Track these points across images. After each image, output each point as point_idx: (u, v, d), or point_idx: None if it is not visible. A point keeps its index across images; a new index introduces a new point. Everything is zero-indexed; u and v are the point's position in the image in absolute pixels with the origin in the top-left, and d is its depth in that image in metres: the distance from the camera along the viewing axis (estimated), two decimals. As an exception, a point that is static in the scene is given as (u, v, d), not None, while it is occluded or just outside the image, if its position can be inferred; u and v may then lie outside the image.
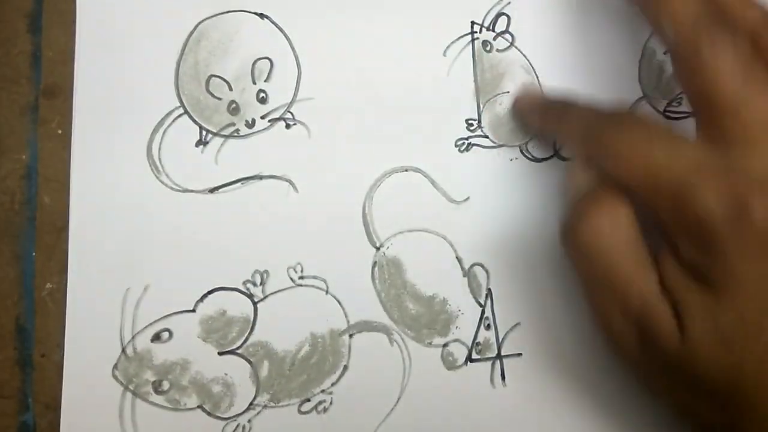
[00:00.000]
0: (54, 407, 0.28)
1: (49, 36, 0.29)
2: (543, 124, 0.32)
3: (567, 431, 0.34)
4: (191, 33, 0.31)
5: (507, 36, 0.34)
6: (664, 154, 0.24)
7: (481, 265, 0.33)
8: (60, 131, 0.29)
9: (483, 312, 0.33)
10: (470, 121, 0.34)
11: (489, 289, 0.33)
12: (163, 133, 0.30)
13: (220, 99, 0.31)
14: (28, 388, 0.28)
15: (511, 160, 0.34)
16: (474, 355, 0.33)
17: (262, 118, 0.31)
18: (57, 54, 0.29)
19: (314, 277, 0.31)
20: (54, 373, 0.28)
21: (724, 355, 0.23)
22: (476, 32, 0.34)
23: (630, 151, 0.24)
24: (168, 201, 0.30)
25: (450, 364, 0.33)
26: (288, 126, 0.31)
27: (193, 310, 0.29)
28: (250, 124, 0.31)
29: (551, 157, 0.35)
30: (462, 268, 0.33)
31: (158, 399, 0.29)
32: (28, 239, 0.28)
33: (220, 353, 0.30)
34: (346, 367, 0.31)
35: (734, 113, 0.23)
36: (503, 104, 0.34)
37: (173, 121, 0.30)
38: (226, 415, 0.29)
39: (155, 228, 0.30)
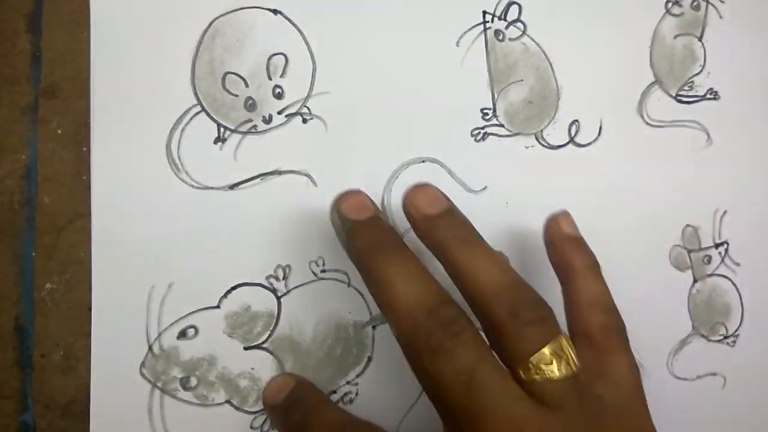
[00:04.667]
0: (53, 407, 0.28)
1: (49, 36, 0.29)
2: None
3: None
4: (206, 30, 0.31)
5: (519, 24, 0.35)
6: None
7: (501, 254, 0.33)
8: (60, 131, 0.29)
9: (504, 300, 0.33)
10: (485, 111, 0.34)
11: (509, 277, 0.33)
12: (182, 131, 0.30)
13: (236, 96, 0.31)
14: (27, 388, 0.27)
15: (527, 147, 0.34)
16: (497, 343, 0.33)
17: (279, 113, 0.31)
18: (57, 54, 0.29)
19: (336, 270, 0.31)
20: (53, 373, 0.28)
21: None
22: (488, 22, 0.34)
23: None
24: (188, 199, 0.30)
25: (473, 353, 0.33)
26: (305, 120, 0.31)
27: (218, 306, 0.30)
28: (268, 120, 0.31)
29: (567, 143, 0.35)
30: (482, 256, 0.33)
31: (186, 395, 0.29)
32: (27, 239, 0.28)
33: (246, 348, 0.30)
34: (370, 359, 0.31)
35: (473, 426, 0.22)
36: (518, 94, 0.34)
37: (191, 119, 0.30)
38: (253, 409, 0.30)
39: (177, 226, 0.30)
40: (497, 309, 0.24)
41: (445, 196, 0.27)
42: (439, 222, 0.26)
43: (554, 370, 0.23)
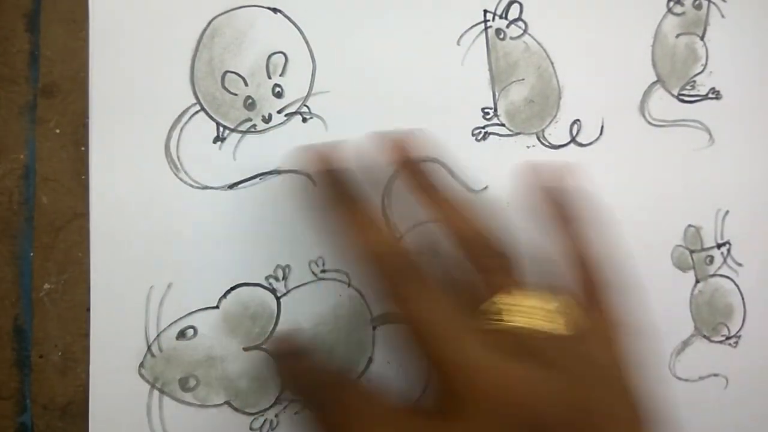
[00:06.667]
0: (52, 408, 0.27)
1: (48, 35, 0.29)
2: None
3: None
4: (205, 29, 0.31)
5: (520, 23, 0.34)
6: None
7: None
8: (58, 131, 0.29)
9: (505, 300, 0.33)
10: (486, 110, 0.34)
11: (510, 278, 0.33)
12: (181, 130, 0.30)
13: (235, 95, 0.31)
14: (26, 389, 0.27)
15: (528, 147, 0.34)
16: (498, 344, 0.33)
17: (279, 112, 0.31)
18: (55, 53, 0.29)
19: (336, 271, 0.31)
20: (52, 374, 0.28)
21: None
22: (489, 20, 0.34)
23: None
24: (188, 198, 0.30)
25: (474, 354, 0.33)
26: (305, 120, 0.31)
27: (217, 307, 0.29)
28: (267, 119, 0.31)
29: (568, 143, 0.35)
30: (483, 257, 0.33)
31: (186, 396, 0.29)
32: (25, 239, 0.28)
33: (245, 349, 0.30)
34: (370, 359, 0.31)
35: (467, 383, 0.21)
36: (520, 93, 0.34)
37: (190, 118, 0.30)
38: (253, 410, 0.29)
39: (176, 226, 0.29)
40: (462, 258, 0.24)
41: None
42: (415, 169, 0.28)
43: (509, 319, 0.22)
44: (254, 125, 0.31)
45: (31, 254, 0.28)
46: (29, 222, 0.28)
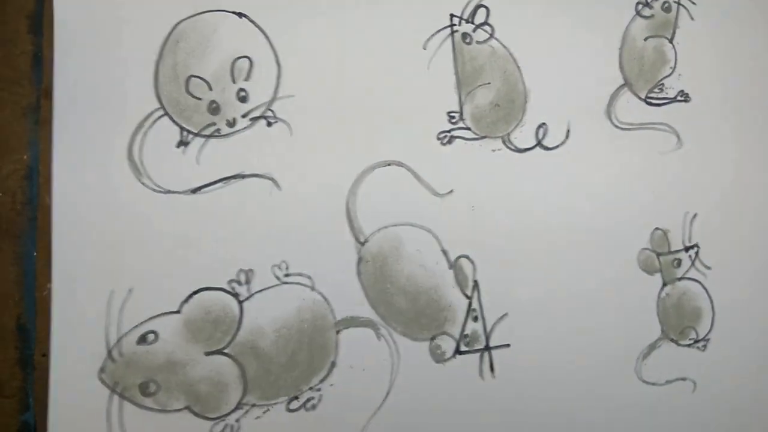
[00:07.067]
0: None
1: (51, 37, 0.29)
2: None
3: (557, 420, 0.34)
4: (169, 34, 0.31)
5: (486, 27, 0.34)
6: None
7: (467, 257, 0.33)
8: None
9: (470, 304, 0.33)
10: (452, 114, 0.34)
11: (476, 281, 0.33)
12: (144, 134, 0.30)
13: (200, 99, 0.31)
14: (29, 387, 0.27)
15: (494, 151, 0.34)
16: (462, 348, 0.33)
17: (243, 116, 0.31)
18: None
19: (299, 274, 0.31)
20: None
21: None
22: (455, 25, 0.34)
23: None
24: (150, 203, 0.30)
25: (438, 357, 0.33)
26: (269, 124, 0.31)
27: (179, 311, 0.29)
28: (231, 123, 0.31)
29: (534, 147, 0.35)
30: (447, 260, 0.33)
31: (146, 401, 0.29)
32: (29, 239, 0.28)
33: (207, 353, 0.30)
34: (333, 363, 0.31)
35: None
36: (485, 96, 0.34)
37: (153, 122, 0.30)
38: (213, 416, 0.29)
39: (138, 230, 0.29)
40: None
41: None
42: None
43: None
44: (218, 129, 0.31)
45: (35, 254, 0.28)
46: (32, 222, 0.28)
